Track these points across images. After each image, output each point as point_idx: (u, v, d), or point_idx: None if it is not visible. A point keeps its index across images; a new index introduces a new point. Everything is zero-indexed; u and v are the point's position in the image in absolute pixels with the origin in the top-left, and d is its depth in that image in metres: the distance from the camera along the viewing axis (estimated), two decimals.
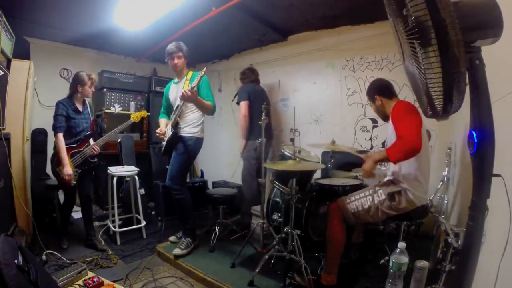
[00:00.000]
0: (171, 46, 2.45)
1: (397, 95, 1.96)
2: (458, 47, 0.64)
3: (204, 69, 2.19)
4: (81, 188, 2.62)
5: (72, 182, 2.45)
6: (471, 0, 0.72)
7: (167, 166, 2.59)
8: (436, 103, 0.75)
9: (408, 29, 0.68)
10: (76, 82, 2.53)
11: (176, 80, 2.61)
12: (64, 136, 2.44)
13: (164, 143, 2.50)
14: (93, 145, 2.54)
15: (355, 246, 2.26)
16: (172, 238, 2.71)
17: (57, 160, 2.45)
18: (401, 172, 1.79)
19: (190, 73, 2.49)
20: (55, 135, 2.42)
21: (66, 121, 2.45)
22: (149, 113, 4.05)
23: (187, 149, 2.44)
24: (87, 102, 2.69)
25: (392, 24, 0.90)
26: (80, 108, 2.57)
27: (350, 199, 1.84)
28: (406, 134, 1.58)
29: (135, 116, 2.79)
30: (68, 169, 2.40)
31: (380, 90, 1.93)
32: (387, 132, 2.01)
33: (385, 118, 1.96)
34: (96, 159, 2.62)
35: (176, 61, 2.46)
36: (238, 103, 3.13)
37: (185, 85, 2.38)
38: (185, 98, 2.22)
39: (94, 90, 2.64)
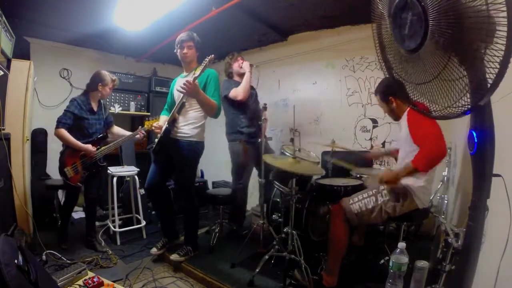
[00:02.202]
0: (182, 35, 2.28)
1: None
2: None
3: (211, 56, 1.96)
4: (87, 189, 2.59)
5: (78, 183, 2.45)
6: None
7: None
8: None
9: None
10: (98, 80, 2.48)
11: (183, 74, 2.41)
12: (76, 136, 2.40)
13: (156, 140, 2.33)
14: (106, 148, 2.50)
15: (356, 249, 2.26)
16: (153, 250, 2.45)
17: (64, 160, 2.41)
18: None
19: (199, 68, 2.23)
20: (57, 128, 2.34)
21: (77, 120, 2.41)
22: (149, 113, 4.06)
23: (188, 157, 2.27)
24: (102, 103, 2.65)
25: None
26: (95, 108, 2.53)
27: (353, 200, 1.82)
28: (430, 138, 1.55)
29: (149, 124, 2.47)
30: (89, 148, 2.39)
31: (396, 92, 1.80)
32: (393, 131, 1.96)
33: (397, 118, 1.92)
34: (105, 163, 2.60)
35: (185, 50, 2.25)
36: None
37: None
38: (185, 90, 1.99)
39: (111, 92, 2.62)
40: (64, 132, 2.35)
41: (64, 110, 2.40)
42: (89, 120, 2.48)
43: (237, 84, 2.71)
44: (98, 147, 2.51)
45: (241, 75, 2.74)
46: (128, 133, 2.71)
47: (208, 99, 2.15)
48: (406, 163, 1.67)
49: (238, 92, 2.61)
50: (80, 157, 2.43)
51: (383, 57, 1.08)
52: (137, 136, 2.56)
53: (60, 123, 2.35)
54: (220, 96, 2.39)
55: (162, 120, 2.42)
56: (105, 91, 2.52)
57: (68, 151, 2.42)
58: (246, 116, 2.73)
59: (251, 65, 2.70)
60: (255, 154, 2.64)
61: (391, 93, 1.84)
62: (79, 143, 2.38)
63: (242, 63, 2.74)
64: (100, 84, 2.48)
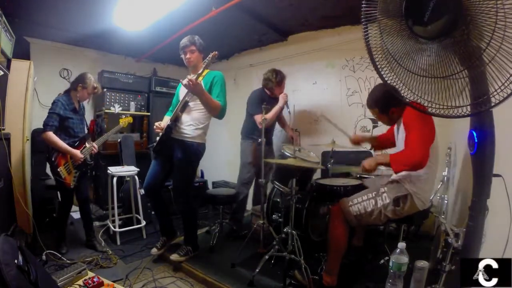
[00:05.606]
0: (183, 40, 2.28)
1: None
2: None
3: (213, 53, 1.98)
4: (78, 190, 2.57)
5: (72, 184, 2.44)
6: None
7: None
8: None
9: None
10: (79, 81, 2.48)
11: (191, 76, 2.44)
12: (62, 137, 2.40)
13: (158, 138, 2.34)
14: (93, 145, 2.53)
15: (355, 248, 2.25)
16: (154, 251, 2.46)
17: (57, 160, 2.40)
18: (410, 173, 1.70)
19: (206, 71, 2.25)
20: (45, 131, 2.32)
21: (62, 121, 2.40)
22: (149, 113, 4.06)
23: (188, 158, 2.27)
24: (81, 103, 2.66)
25: None
26: (77, 107, 2.54)
27: (352, 202, 1.80)
28: (414, 146, 1.55)
29: (123, 121, 2.85)
30: (77, 153, 2.40)
31: (396, 102, 1.65)
32: (393, 134, 1.95)
33: (392, 123, 1.91)
34: (92, 161, 2.61)
35: (188, 55, 2.28)
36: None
37: None
38: (189, 87, 2.01)
39: (89, 98, 2.61)
40: (52, 135, 2.33)
41: (49, 112, 2.37)
42: (74, 120, 2.48)
43: (266, 97, 2.82)
44: (84, 146, 2.52)
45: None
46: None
47: (211, 99, 2.15)
48: (386, 153, 1.66)
49: (263, 120, 2.46)
50: (70, 156, 2.43)
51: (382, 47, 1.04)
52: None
53: (47, 126, 2.32)
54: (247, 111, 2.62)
55: (165, 121, 2.42)
56: (83, 94, 2.49)
57: (58, 151, 2.42)
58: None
59: (285, 100, 2.84)
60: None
61: (393, 104, 1.74)
62: (68, 147, 2.38)
63: (284, 94, 2.88)
64: (80, 85, 2.47)
